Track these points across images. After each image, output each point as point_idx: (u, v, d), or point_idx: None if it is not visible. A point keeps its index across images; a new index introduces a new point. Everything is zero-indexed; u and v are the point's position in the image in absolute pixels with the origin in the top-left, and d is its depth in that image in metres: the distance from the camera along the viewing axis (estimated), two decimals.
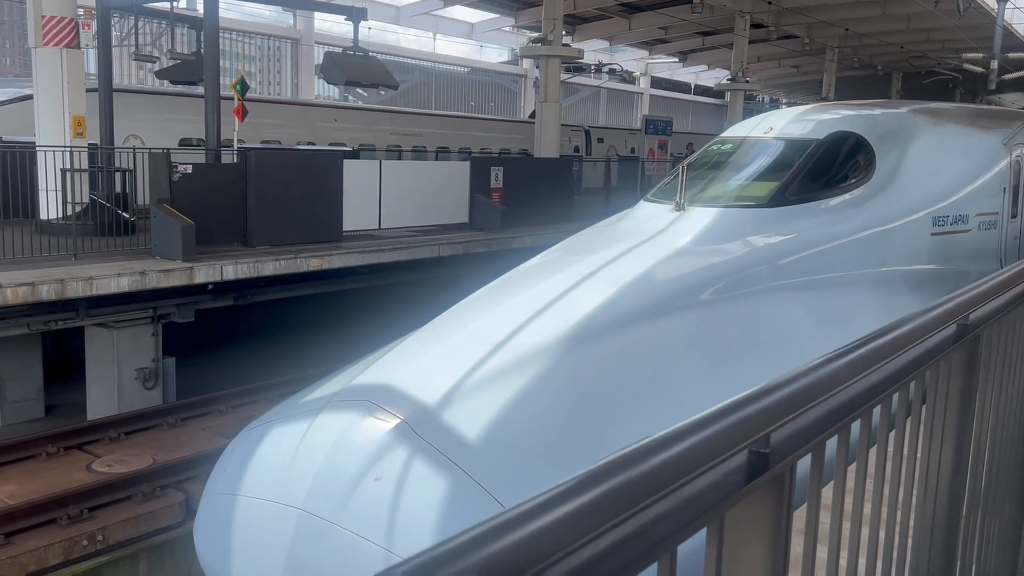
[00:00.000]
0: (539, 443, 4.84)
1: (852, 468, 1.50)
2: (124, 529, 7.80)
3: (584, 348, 5.57)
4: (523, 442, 4.84)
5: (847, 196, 7.68)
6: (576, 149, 27.30)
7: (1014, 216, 9.45)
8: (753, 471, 0.99)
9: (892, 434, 1.63)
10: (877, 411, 1.45)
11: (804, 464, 1.23)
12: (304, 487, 4.50)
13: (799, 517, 1.29)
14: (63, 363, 12.77)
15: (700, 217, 7.23)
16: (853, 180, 7.83)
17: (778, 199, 7.37)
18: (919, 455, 1.78)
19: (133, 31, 16.38)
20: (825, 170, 7.79)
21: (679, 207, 7.35)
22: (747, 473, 0.99)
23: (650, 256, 6.82)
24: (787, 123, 8.47)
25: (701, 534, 1.00)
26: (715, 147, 8.67)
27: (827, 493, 1.51)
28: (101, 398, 11.32)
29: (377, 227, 14.69)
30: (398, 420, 4.76)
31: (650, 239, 7.12)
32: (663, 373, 5.69)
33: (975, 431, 2.14)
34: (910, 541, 1.76)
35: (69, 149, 12.31)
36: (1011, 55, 27.71)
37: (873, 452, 1.59)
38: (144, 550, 7.74)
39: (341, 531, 4.28)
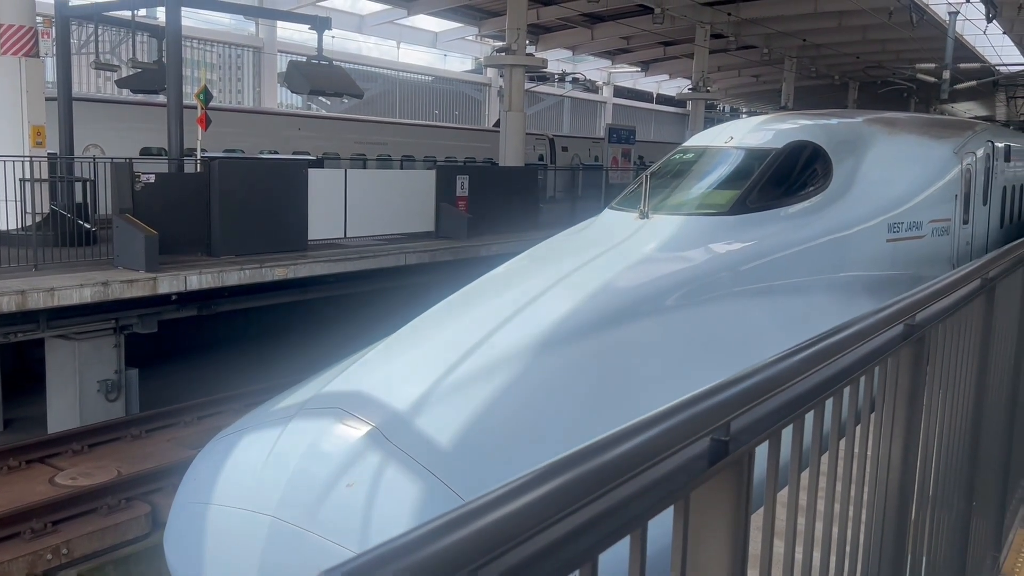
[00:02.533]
0: (509, 447, 4.88)
1: (810, 462, 1.61)
2: (89, 542, 7.72)
3: (550, 354, 5.64)
4: (493, 446, 4.88)
5: (805, 204, 7.85)
6: (540, 158, 27.48)
7: (965, 222, 9.71)
8: (714, 456, 1.09)
9: (846, 426, 1.74)
10: (830, 404, 1.56)
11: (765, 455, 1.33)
12: (276, 494, 4.49)
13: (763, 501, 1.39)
14: (22, 375, 12.57)
15: (663, 225, 7.37)
16: (811, 188, 8.00)
17: (739, 207, 7.52)
18: (869, 450, 1.90)
19: (93, 39, 16.20)
20: (784, 179, 7.96)
21: (643, 215, 7.47)
22: (709, 458, 1.09)
23: (615, 264, 6.93)
24: (747, 133, 8.66)
25: (670, 513, 1.09)
26: (677, 156, 8.82)
27: (802, 488, 1.61)
28: (62, 411, 11.17)
29: (343, 236, 14.68)
30: (369, 427, 4.76)
31: (615, 247, 7.25)
32: (628, 378, 5.78)
33: (923, 427, 2.27)
34: (862, 529, 1.87)
35: (28, 159, 12.16)
36: (963, 65, 28.48)
37: (832, 443, 1.70)
38: (110, 563, 7.67)
39: (313, 538, 4.28)
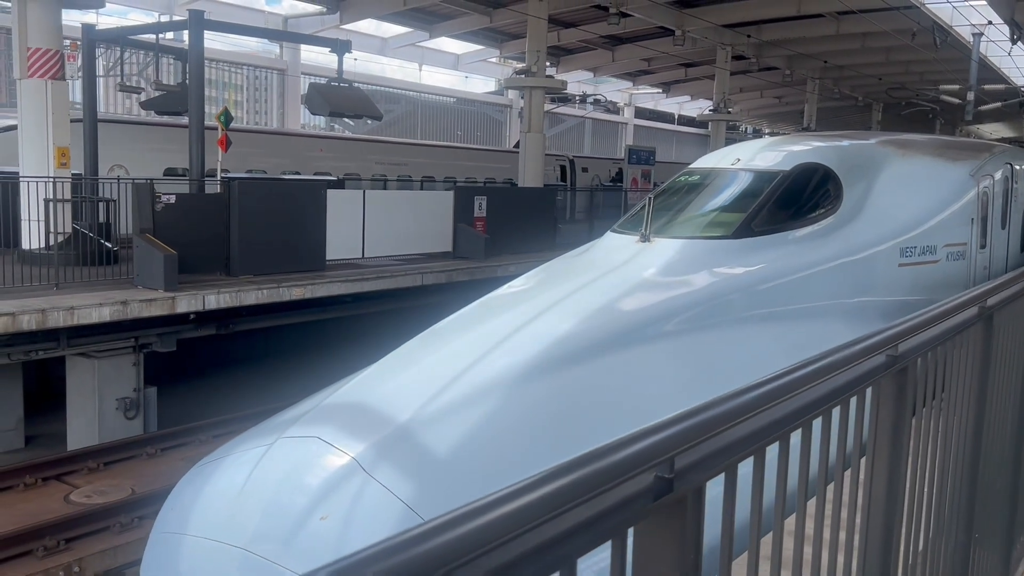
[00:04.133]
0: (493, 480, 4.66)
1: (778, 495, 1.59)
2: (101, 560, 7.77)
3: (538, 383, 5.48)
4: (476, 479, 4.68)
5: (814, 227, 7.64)
6: (559, 178, 27.53)
7: (983, 247, 9.45)
8: (658, 493, 1.08)
9: (819, 461, 1.71)
10: (797, 436, 1.54)
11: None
12: (250, 527, 4.42)
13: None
14: (44, 393, 12.72)
15: (665, 248, 7.19)
16: (820, 211, 7.80)
17: (743, 230, 7.32)
18: (848, 481, 1.87)
19: (119, 62, 16.50)
20: (792, 201, 7.77)
21: (644, 238, 7.30)
22: (653, 494, 1.08)
23: (611, 288, 6.76)
24: (754, 154, 8.45)
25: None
26: (682, 178, 8.64)
27: (791, 521, 1.59)
28: (82, 428, 11.29)
29: (361, 256, 14.77)
30: (347, 458, 4.66)
31: (613, 270, 7.10)
32: (619, 407, 5.57)
33: (912, 458, 2.23)
34: (840, 561, 1.84)
35: (52, 179, 12.37)
36: (987, 87, 28.26)
37: (801, 479, 1.67)
38: None
39: (285, 572, 4.18)
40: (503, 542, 0.90)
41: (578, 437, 5.06)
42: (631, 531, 1.08)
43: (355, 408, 5.30)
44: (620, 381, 5.85)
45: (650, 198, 7.78)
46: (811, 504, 1.75)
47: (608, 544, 1.05)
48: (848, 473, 1.91)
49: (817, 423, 1.62)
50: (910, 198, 8.51)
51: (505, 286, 7.35)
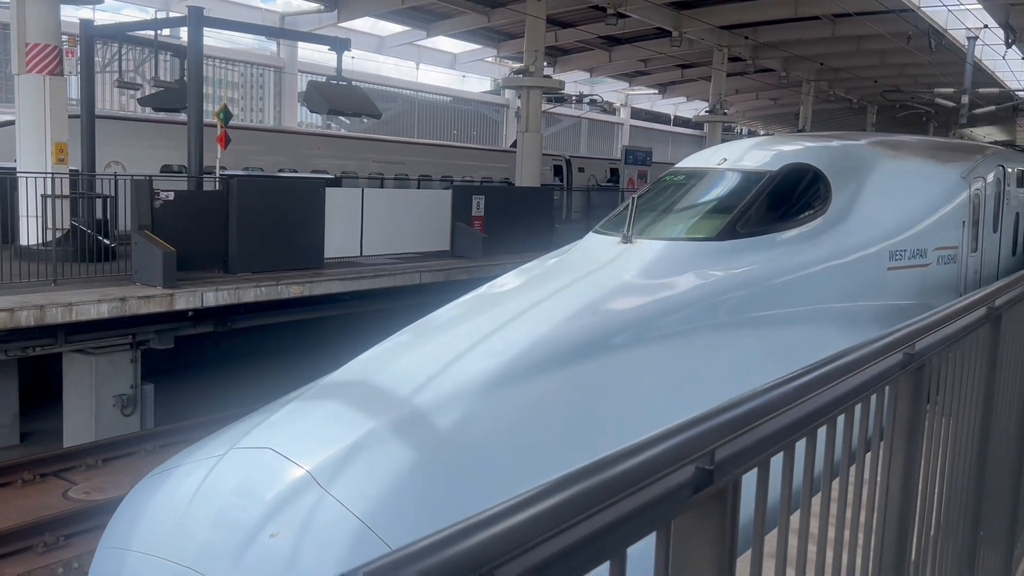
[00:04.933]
0: (455, 495, 4.47)
1: (802, 492, 1.62)
2: None
3: (513, 390, 5.23)
4: (437, 494, 4.47)
5: (801, 229, 7.42)
6: (553, 178, 27.58)
7: (974, 250, 9.24)
8: (699, 485, 1.10)
9: (841, 456, 1.74)
10: (823, 432, 1.57)
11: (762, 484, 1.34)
12: (196, 543, 4.20)
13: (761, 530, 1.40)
14: (40, 389, 12.69)
15: (646, 250, 6.96)
16: (807, 213, 7.59)
17: (728, 232, 7.10)
18: (866, 476, 1.90)
19: (117, 58, 16.48)
20: (778, 203, 7.56)
21: (626, 239, 7.08)
22: (693, 487, 1.10)
23: (590, 291, 6.50)
24: (741, 154, 8.25)
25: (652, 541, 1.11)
26: (668, 178, 8.43)
27: (795, 518, 1.62)
28: (78, 425, 11.27)
29: (359, 254, 14.78)
30: (301, 471, 4.41)
31: (591, 273, 6.84)
32: (592, 416, 5.28)
33: (925, 456, 2.26)
34: (859, 556, 1.87)
35: (50, 175, 12.34)
36: (982, 90, 28.40)
37: (826, 473, 1.70)
38: None
39: None
40: (553, 534, 0.92)
41: (551, 449, 4.78)
42: (673, 522, 1.10)
43: (313, 416, 5.03)
44: (595, 389, 5.57)
45: (633, 198, 7.57)
46: (831, 501, 1.77)
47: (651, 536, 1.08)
48: (867, 469, 1.93)
49: (840, 420, 1.65)
50: (900, 200, 8.30)
51: (480, 288, 7.10)
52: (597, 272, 6.84)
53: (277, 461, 4.52)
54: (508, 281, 7.16)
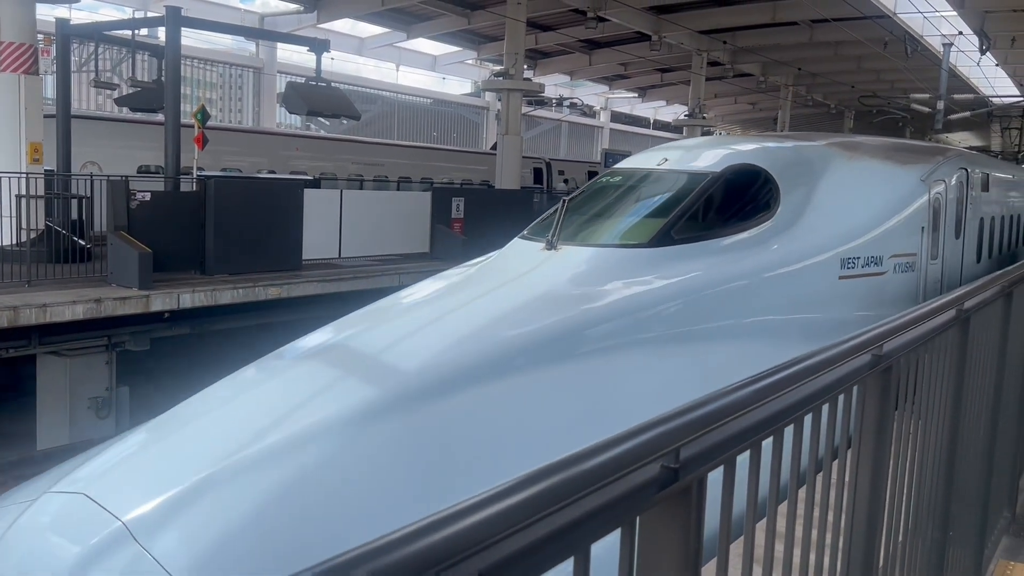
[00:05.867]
0: (298, 554, 3.83)
1: (771, 487, 1.64)
2: None
3: (387, 423, 4.52)
4: (276, 549, 3.92)
5: (744, 235, 6.83)
6: (533, 180, 27.64)
7: (934, 257, 8.66)
8: (664, 483, 1.12)
9: (809, 455, 1.76)
10: (790, 431, 1.59)
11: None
12: None
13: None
14: (13, 391, 12.54)
15: (571, 258, 6.34)
16: (752, 218, 7.01)
17: (662, 238, 6.51)
18: (834, 476, 1.93)
19: (93, 57, 16.33)
20: (720, 206, 7.04)
21: (550, 245, 6.46)
22: (658, 484, 1.12)
23: (498, 304, 5.86)
24: (683, 154, 7.76)
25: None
26: (604, 179, 7.88)
27: (781, 517, 1.63)
28: (52, 427, 11.14)
29: (337, 256, 14.73)
30: (115, 521, 3.90)
31: (506, 283, 6.23)
32: (479, 451, 4.60)
33: (894, 456, 2.29)
34: (826, 556, 1.89)
35: (25, 175, 12.21)
36: (957, 96, 28.78)
37: (793, 472, 1.72)
38: None
39: None
40: (520, 528, 0.93)
41: (419, 492, 4.15)
42: (638, 519, 1.11)
43: (143, 456, 4.48)
44: (484, 420, 4.84)
45: (564, 200, 7.00)
46: (799, 499, 1.80)
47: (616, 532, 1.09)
48: (835, 468, 1.96)
49: (808, 420, 1.67)
50: (854, 204, 7.73)
51: (382, 300, 6.47)
52: (512, 283, 6.21)
53: (89, 509, 3.98)
54: (411, 293, 6.55)
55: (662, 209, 6.91)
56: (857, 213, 7.68)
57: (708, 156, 7.65)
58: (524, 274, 6.31)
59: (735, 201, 7.13)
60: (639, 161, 8.10)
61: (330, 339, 5.66)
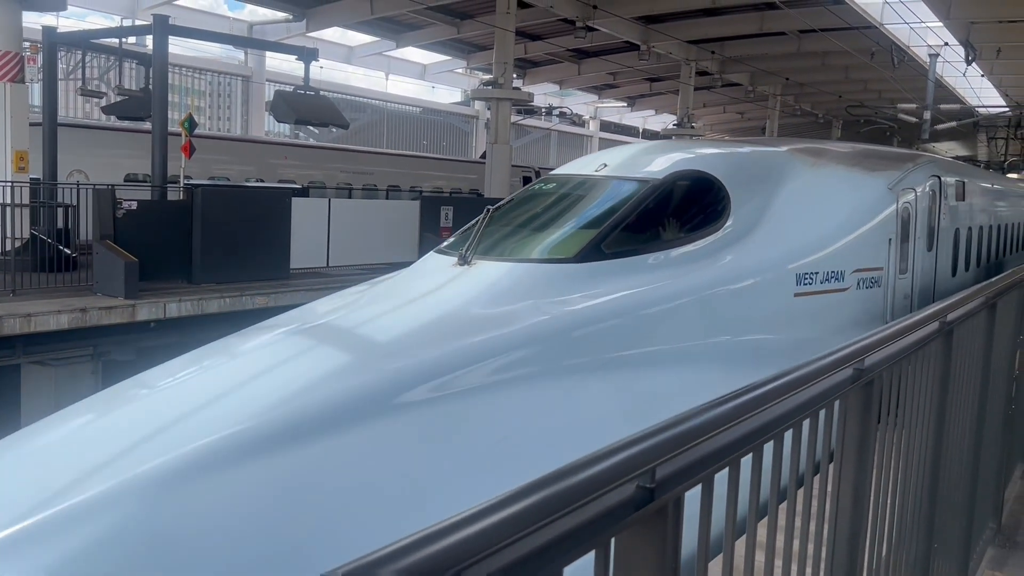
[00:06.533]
0: None
1: (751, 504, 1.62)
2: None
3: (252, 464, 3.89)
4: None
5: (686, 249, 6.17)
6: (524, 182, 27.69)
7: (903, 272, 8.03)
8: (639, 503, 1.10)
9: (789, 471, 1.75)
10: (770, 448, 1.57)
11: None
12: None
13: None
14: None
15: (485, 274, 5.68)
16: (698, 230, 6.38)
17: (592, 252, 5.83)
18: (816, 491, 1.92)
19: (80, 66, 16.28)
20: (660, 217, 6.35)
21: (463, 260, 5.85)
22: (634, 505, 1.10)
23: (392, 328, 5.21)
24: (624, 160, 7.15)
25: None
26: (536, 187, 7.28)
27: (762, 531, 1.62)
28: None
29: (326, 265, 14.69)
30: None
31: (408, 304, 5.59)
32: (347, 502, 3.98)
33: (877, 469, 2.29)
34: (808, 571, 1.88)
35: (10, 184, 12.14)
36: (944, 106, 28.99)
37: (774, 489, 1.71)
38: None
39: None
40: (490, 552, 0.92)
41: (298, 549, 3.65)
42: (613, 540, 1.10)
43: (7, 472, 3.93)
44: (356, 465, 4.17)
45: (488, 209, 6.39)
46: (780, 515, 1.79)
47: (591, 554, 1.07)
48: (816, 484, 1.95)
49: (788, 436, 1.66)
50: (814, 214, 7.12)
51: (269, 320, 5.89)
52: (411, 304, 5.57)
53: None
54: (297, 315, 5.81)
55: (594, 220, 6.24)
56: (817, 224, 7.08)
57: (652, 162, 7.01)
58: (427, 293, 5.67)
59: (679, 211, 6.53)
60: (576, 167, 7.50)
61: (207, 360, 5.05)
